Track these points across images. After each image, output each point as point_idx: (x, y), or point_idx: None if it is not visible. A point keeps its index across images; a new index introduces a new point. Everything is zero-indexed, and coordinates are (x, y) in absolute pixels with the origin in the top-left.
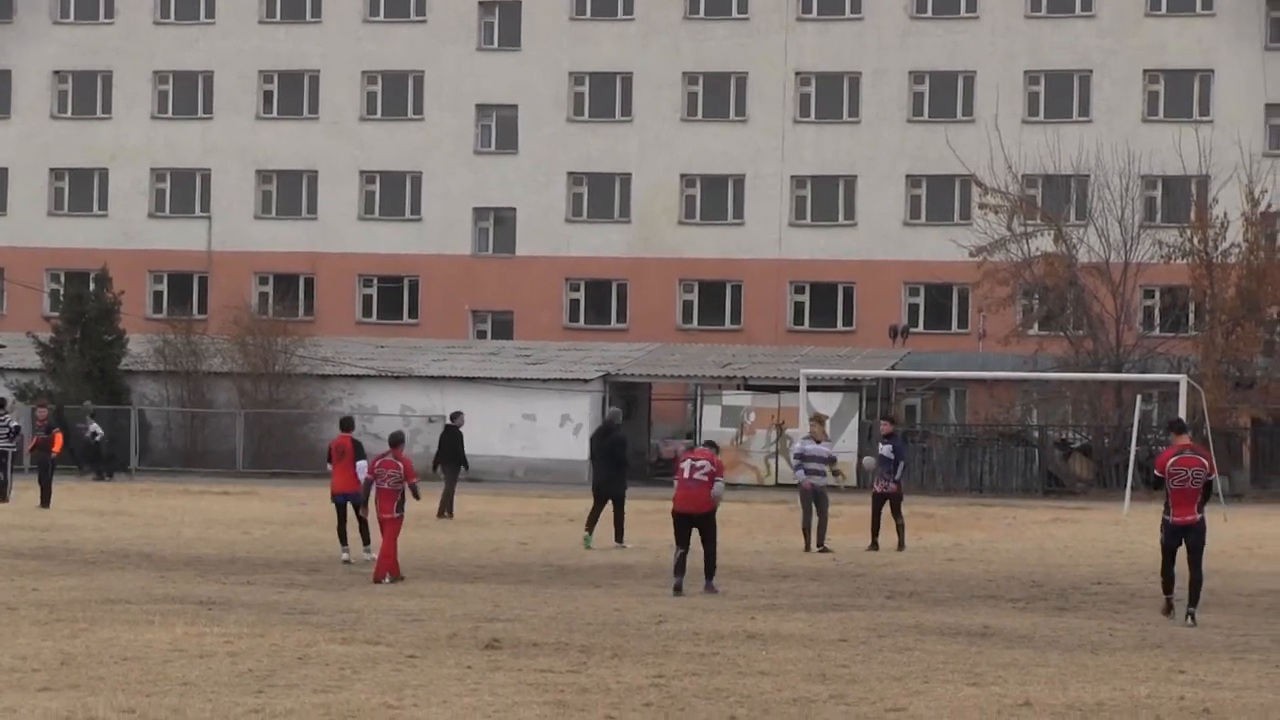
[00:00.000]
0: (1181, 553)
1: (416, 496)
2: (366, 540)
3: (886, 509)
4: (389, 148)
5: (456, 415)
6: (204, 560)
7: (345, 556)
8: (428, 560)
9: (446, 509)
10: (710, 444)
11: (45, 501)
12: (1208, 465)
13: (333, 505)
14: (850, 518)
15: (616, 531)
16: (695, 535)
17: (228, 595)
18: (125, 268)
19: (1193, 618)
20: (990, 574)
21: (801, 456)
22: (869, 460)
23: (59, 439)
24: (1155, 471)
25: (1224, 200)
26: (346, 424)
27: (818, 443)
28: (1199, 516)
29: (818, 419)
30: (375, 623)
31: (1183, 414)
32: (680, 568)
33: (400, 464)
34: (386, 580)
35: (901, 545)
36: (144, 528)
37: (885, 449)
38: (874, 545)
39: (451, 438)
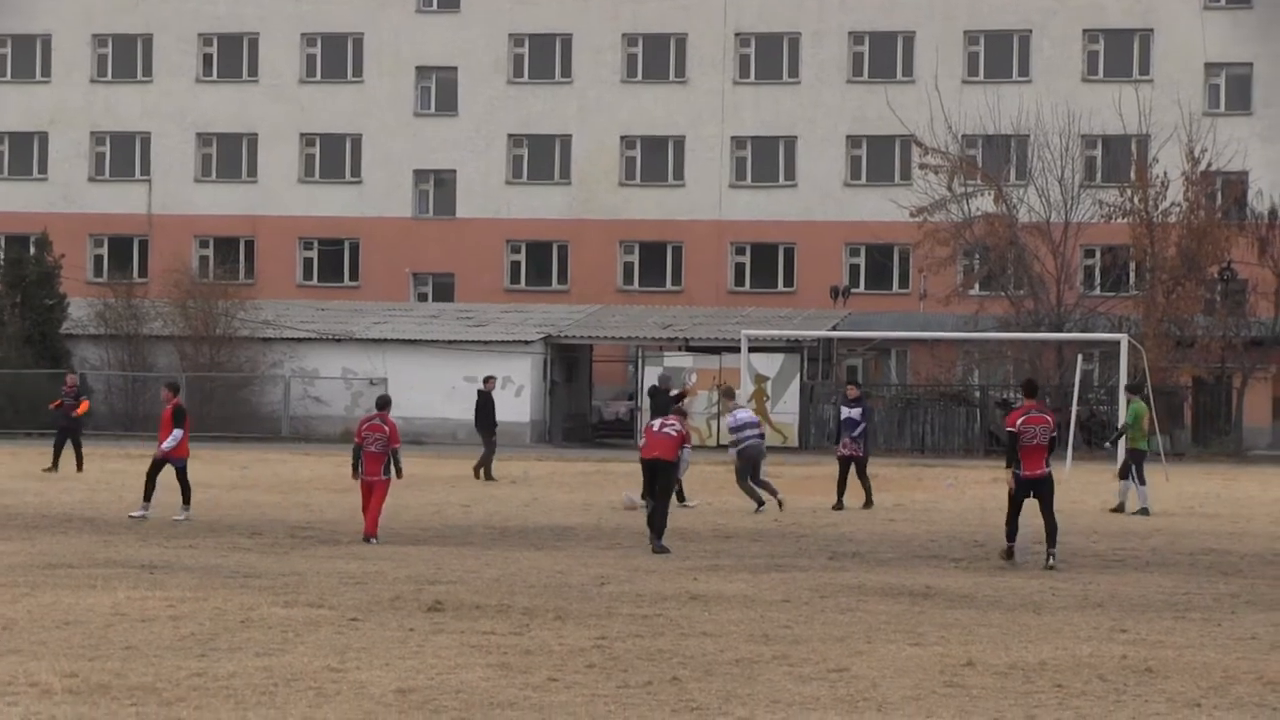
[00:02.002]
0: (1033, 505)
1: (398, 467)
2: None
3: (851, 470)
4: (329, 110)
5: (488, 380)
6: (146, 524)
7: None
8: None
9: (485, 471)
10: (680, 411)
11: (62, 464)
12: (1051, 423)
13: (174, 468)
14: (793, 479)
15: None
16: None
17: (170, 559)
18: (65, 231)
19: (1052, 557)
20: (932, 534)
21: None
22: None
23: (84, 405)
24: (1007, 428)
25: (1164, 159)
26: (177, 387)
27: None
28: (1047, 470)
29: (728, 392)
30: (317, 586)
31: (1123, 373)
32: (653, 520)
33: (386, 427)
34: (374, 540)
35: (869, 503)
36: (86, 492)
37: (853, 412)
38: (839, 505)
39: (485, 403)
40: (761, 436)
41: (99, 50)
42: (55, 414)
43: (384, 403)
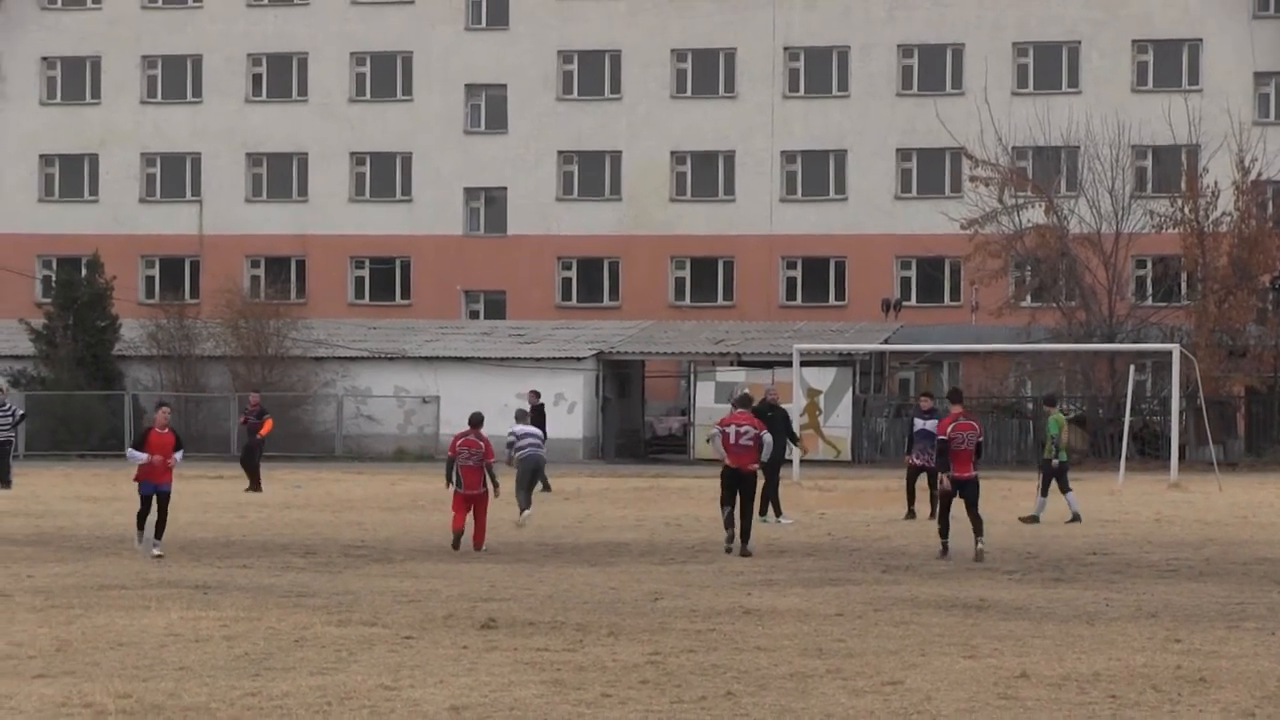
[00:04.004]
0: (961, 504)
1: (495, 481)
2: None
3: (921, 480)
4: (379, 129)
5: (538, 394)
6: (199, 544)
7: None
8: (423, 541)
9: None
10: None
11: (257, 485)
12: (978, 429)
13: (159, 495)
14: (846, 491)
15: (773, 507)
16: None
17: (223, 579)
18: (117, 253)
19: (981, 544)
20: (986, 546)
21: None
22: None
23: (268, 424)
24: (939, 437)
25: (1214, 169)
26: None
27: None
28: (974, 474)
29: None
30: (371, 604)
31: (1176, 383)
32: (731, 522)
33: (481, 443)
34: (484, 549)
35: (934, 514)
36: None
37: (928, 424)
38: (910, 514)
39: (539, 416)
40: (538, 446)
41: (148, 71)
42: (244, 438)
43: (477, 420)
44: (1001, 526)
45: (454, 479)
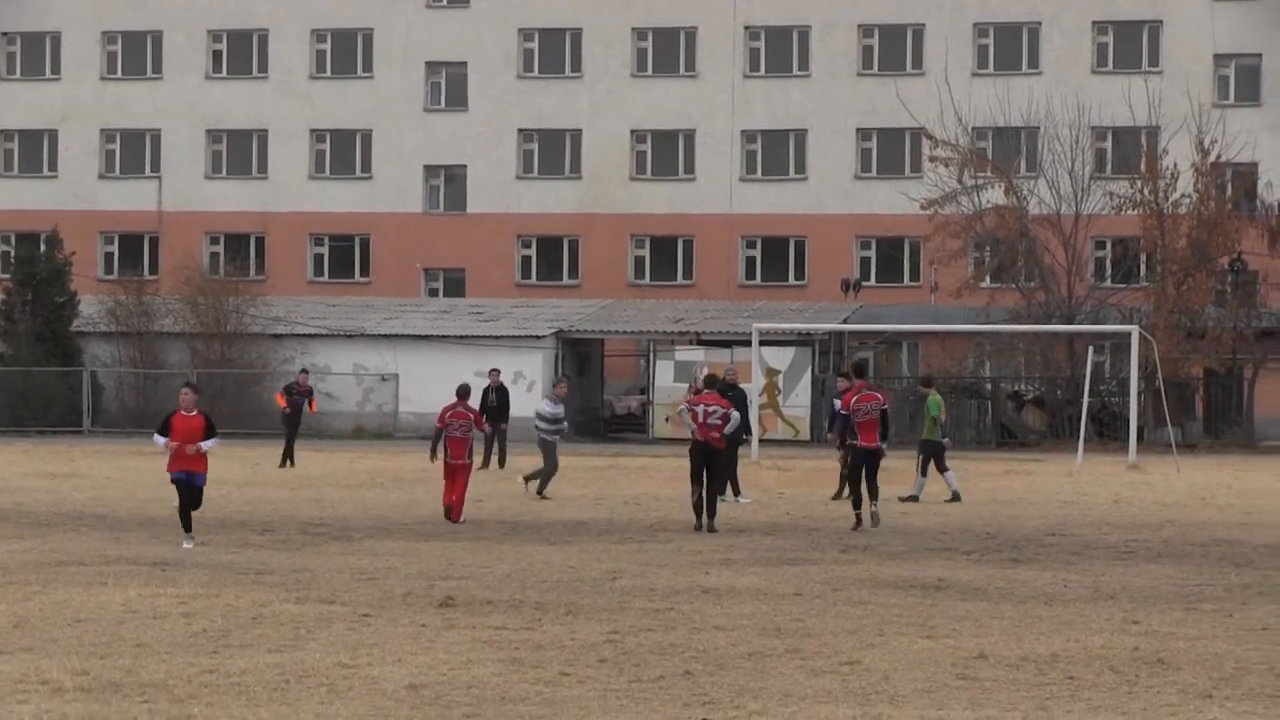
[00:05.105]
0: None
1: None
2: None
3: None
4: (339, 106)
5: (497, 372)
6: (157, 521)
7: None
8: (381, 518)
9: (497, 462)
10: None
11: (291, 461)
12: (881, 399)
13: (195, 486)
14: (805, 471)
15: (731, 486)
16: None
17: (181, 556)
18: (76, 229)
19: (875, 517)
20: (944, 527)
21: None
22: None
23: (314, 404)
24: (840, 408)
25: (1174, 151)
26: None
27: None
28: (879, 445)
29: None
30: (329, 582)
31: (1134, 365)
32: (700, 508)
33: (470, 414)
34: (462, 520)
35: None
36: (97, 489)
37: None
38: (839, 495)
39: (501, 395)
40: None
41: (109, 47)
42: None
43: (465, 391)
44: (961, 506)
45: (439, 451)
